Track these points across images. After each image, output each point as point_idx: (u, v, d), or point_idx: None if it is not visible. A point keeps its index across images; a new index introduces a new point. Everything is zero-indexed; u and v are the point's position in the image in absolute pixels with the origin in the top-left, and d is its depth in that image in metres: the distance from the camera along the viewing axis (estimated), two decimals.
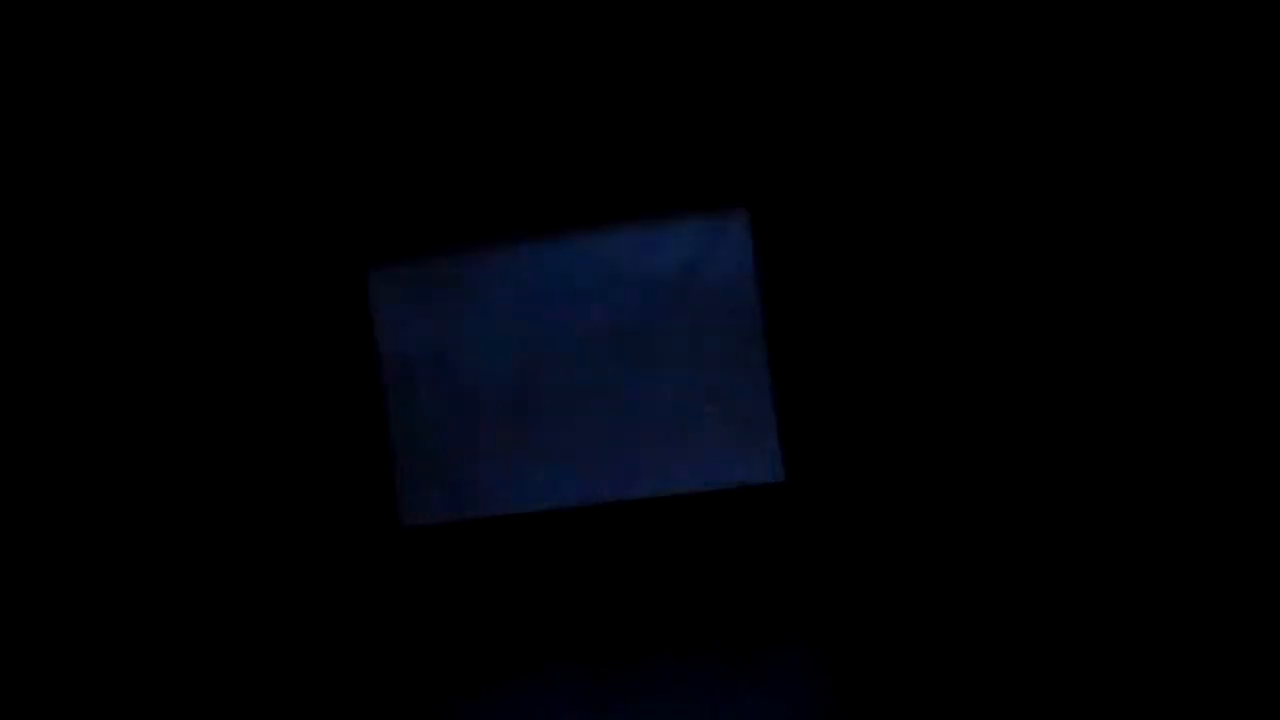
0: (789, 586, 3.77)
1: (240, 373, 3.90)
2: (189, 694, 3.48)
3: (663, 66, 3.85)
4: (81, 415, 3.91)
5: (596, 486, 3.89)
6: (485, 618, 3.87)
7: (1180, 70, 3.60)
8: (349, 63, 3.93)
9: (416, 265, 3.98)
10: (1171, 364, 3.59)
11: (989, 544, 3.66)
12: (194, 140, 3.95)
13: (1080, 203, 3.65)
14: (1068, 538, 3.61)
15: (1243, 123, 3.57)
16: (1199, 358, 3.58)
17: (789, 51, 3.78)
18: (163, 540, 3.88)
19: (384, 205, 3.95)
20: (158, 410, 3.91)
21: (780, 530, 3.80)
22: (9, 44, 3.91)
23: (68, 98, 3.95)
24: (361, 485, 3.89)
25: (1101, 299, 3.64)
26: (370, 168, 3.95)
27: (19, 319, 3.92)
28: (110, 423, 3.91)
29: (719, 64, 3.83)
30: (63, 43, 3.94)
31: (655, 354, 3.90)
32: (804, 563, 3.77)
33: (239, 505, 3.89)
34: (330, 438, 3.89)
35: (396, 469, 3.95)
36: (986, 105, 3.69)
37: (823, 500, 3.76)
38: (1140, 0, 3.61)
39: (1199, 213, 3.59)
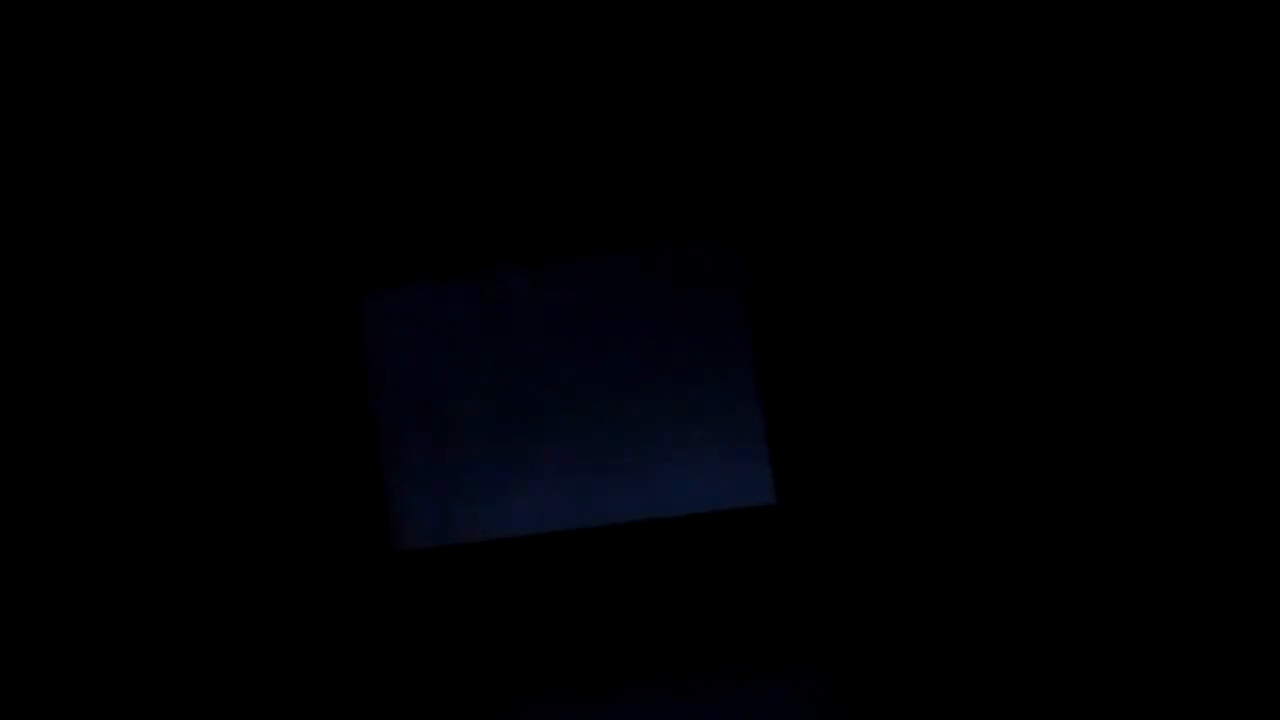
0: (780, 608, 3.76)
1: (231, 397, 3.89)
2: (184, 714, 3.47)
3: (653, 94, 3.86)
4: (73, 436, 3.90)
5: (587, 510, 3.88)
6: (476, 641, 3.85)
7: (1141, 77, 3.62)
8: (343, 95, 3.93)
9: (407, 290, 3.98)
10: (1163, 402, 3.59)
11: (980, 564, 3.65)
12: (188, 162, 3.95)
13: (1071, 220, 3.66)
14: (1059, 556, 3.60)
15: (1238, 123, 3.57)
16: (1191, 397, 3.58)
17: (777, 80, 3.79)
18: (155, 564, 3.87)
19: (375, 231, 3.95)
20: (148, 434, 3.90)
21: (771, 552, 3.79)
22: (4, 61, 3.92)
23: (69, 118, 3.95)
24: (353, 509, 3.88)
25: (1092, 317, 3.64)
26: (362, 194, 3.95)
27: (8, 336, 3.92)
28: (102, 444, 3.89)
29: (708, 93, 3.83)
30: (60, 64, 3.94)
31: (646, 378, 3.89)
32: (795, 584, 3.76)
33: (229, 529, 3.87)
34: (322, 462, 3.88)
35: (388, 493, 3.94)
36: (971, 133, 3.70)
37: (813, 522, 3.75)
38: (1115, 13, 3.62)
39: (1175, 230, 3.59)
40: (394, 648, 3.86)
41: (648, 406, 3.88)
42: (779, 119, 3.80)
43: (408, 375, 3.98)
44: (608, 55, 3.87)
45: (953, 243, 3.70)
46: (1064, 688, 2.76)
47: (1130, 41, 3.63)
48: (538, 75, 3.89)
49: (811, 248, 3.76)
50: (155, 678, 3.82)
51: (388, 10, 3.88)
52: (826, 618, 3.70)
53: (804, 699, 2.93)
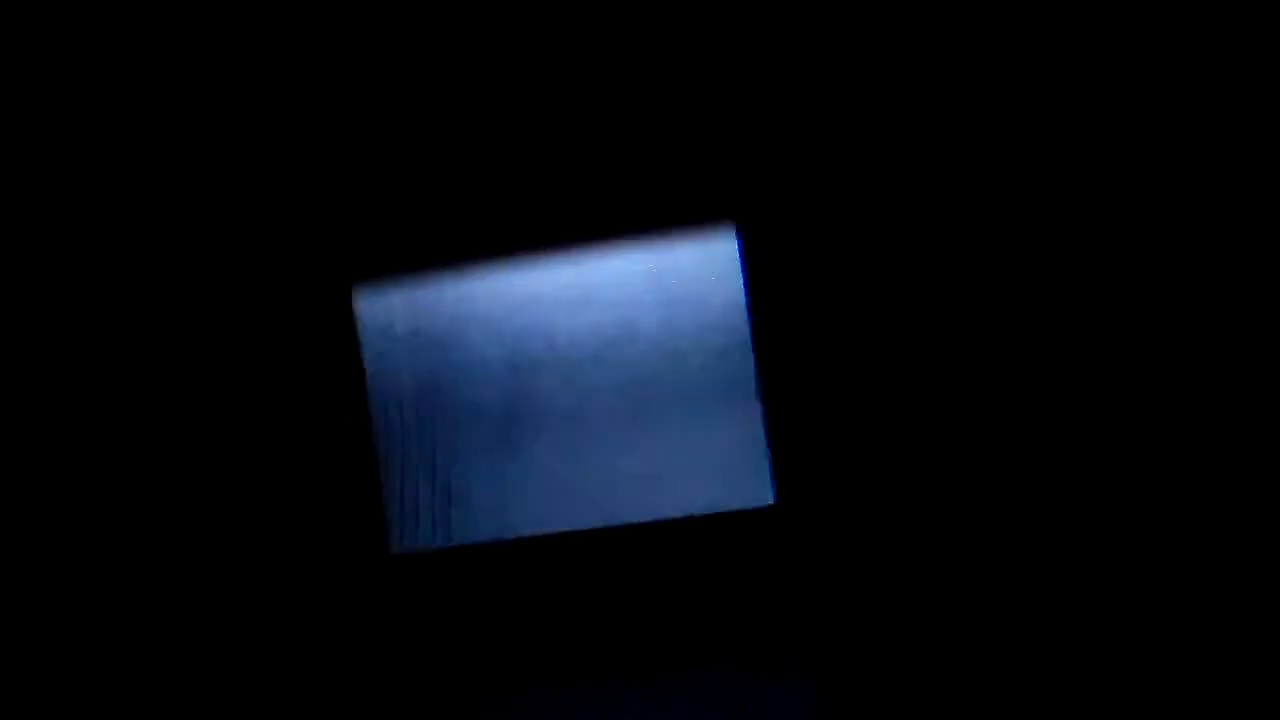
0: (779, 610, 3.75)
1: (227, 396, 3.90)
2: (179, 717, 3.49)
3: (645, 79, 3.85)
4: (64, 435, 3.91)
5: (587, 511, 3.88)
6: (475, 645, 3.86)
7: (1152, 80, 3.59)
8: (343, 86, 3.94)
9: (404, 286, 3.98)
10: (1167, 410, 3.57)
11: (983, 566, 3.64)
12: (183, 155, 3.96)
13: (1078, 218, 3.64)
14: (1063, 558, 3.59)
15: (1243, 123, 3.54)
16: (1194, 406, 3.55)
17: (777, 57, 3.78)
18: (148, 566, 3.88)
19: (370, 225, 3.96)
20: (141, 434, 3.91)
21: (770, 554, 3.78)
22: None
23: (57, 112, 3.97)
24: (352, 510, 3.89)
25: (1101, 316, 3.62)
26: (362, 190, 3.96)
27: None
28: (93, 444, 3.91)
29: (702, 74, 3.82)
30: (47, 57, 3.96)
31: (646, 378, 3.89)
32: (794, 586, 3.76)
33: (224, 530, 3.88)
34: (318, 463, 3.89)
35: (387, 493, 3.95)
36: (975, 129, 3.68)
37: (813, 523, 3.74)
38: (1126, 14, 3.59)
39: (1176, 236, 3.57)
40: (392, 651, 3.87)
41: (647, 407, 3.88)
42: (779, 117, 3.78)
43: (408, 375, 3.99)
44: (608, 56, 3.86)
45: (957, 241, 3.69)
46: (1066, 690, 2.75)
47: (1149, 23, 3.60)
48: (540, 74, 3.89)
49: (813, 246, 3.75)
50: (150, 680, 3.83)
51: (391, 11, 3.88)
52: (826, 620, 3.70)
53: (803, 701, 2.94)
